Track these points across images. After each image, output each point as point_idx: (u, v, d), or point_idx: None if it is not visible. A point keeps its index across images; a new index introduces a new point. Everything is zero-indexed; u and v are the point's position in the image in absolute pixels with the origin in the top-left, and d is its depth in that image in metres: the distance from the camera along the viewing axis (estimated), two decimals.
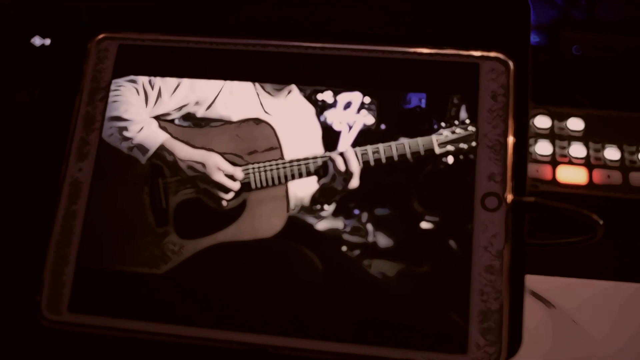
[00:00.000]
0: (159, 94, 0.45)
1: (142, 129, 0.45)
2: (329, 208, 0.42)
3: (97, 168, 0.44)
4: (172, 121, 0.45)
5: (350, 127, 0.43)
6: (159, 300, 0.42)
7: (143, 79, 0.45)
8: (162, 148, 0.44)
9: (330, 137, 0.43)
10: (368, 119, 0.43)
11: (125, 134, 0.44)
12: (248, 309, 0.41)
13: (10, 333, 0.43)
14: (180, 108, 0.45)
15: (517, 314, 0.40)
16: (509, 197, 0.41)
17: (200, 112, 0.45)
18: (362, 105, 0.43)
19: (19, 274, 0.44)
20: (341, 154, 0.43)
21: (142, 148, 0.44)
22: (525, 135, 0.43)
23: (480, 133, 0.42)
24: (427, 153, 0.42)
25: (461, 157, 0.42)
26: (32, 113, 0.48)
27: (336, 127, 0.43)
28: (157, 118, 0.45)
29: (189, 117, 0.45)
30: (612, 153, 0.61)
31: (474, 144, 0.42)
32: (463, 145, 0.42)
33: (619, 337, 0.45)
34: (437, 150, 0.42)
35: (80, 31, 0.48)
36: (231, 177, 0.43)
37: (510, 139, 0.42)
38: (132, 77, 0.46)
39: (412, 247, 0.41)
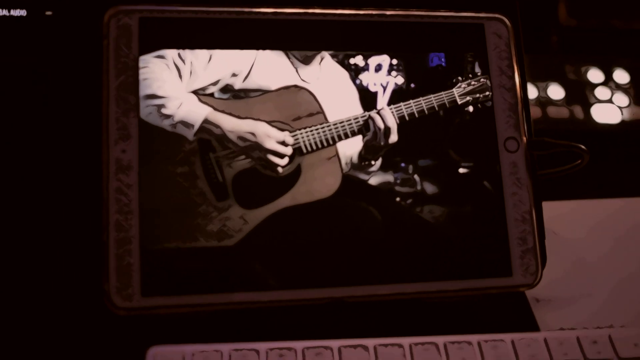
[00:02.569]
0: (192, 68, 0.45)
1: (181, 104, 0.44)
2: (376, 163, 0.46)
3: (142, 148, 0.43)
4: (211, 95, 0.45)
5: (384, 88, 0.47)
6: (234, 270, 0.43)
7: (172, 54, 0.45)
8: (206, 122, 0.44)
9: (367, 98, 0.47)
10: (398, 79, 0.47)
11: (164, 111, 0.44)
12: (320, 266, 0.44)
13: (85, 329, 0.42)
14: (217, 81, 0.45)
15: (542, 236, 0.48)
16: (524, 139, 0.48)
17: (238, 84, 0.45)
18: (392, 67, 0.47)
19: (80, 267, 0.43)
20: (378, 112, 0.46)
21: (185, 124, 0.44)
22: (525, 83, 0.50)
23: (493, 85, 0.48)
24: (451, 104, 0.47)
25: (479, 106, 0.48)
26: (49, 93, 0.45)
27: (372, 89, 0.47)
28: (196, 92, 0.45)
29: (227, 89, 0.45)
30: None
31: (487, 93, 0.48)
32: (479, 95, 0.48)
33: (608, 249, 0.54)
34: (459, 101, 0.48)
35: (86, 3, 0.45)
36: (282, 143, 0.45)
37: (518, 88, 0.49)
38: (159, 52, 0.45)
39: (455, 191, 0.47)
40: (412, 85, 0.47)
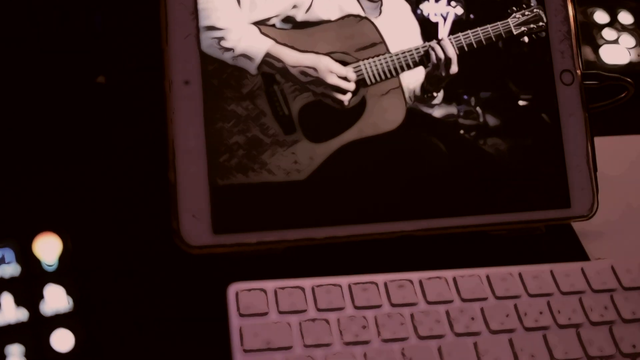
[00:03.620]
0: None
1: (242, 37, 0.42)
2: (438, 95, 0.45)
3: (205, 82, 0.41)
4: (272, 25, 0.43)
5: (445, 18, 0.46)
6: (306, 205, 0.42)
7: None
8: (268, 56, 0.42)
9: (428, 29, 0.46)
10: (458, 9, 0.46)
11: (224, 44, 0.42)
12: (392, 199, 0.43)
13: (161, 271, 0.40)
14: (277, 14, 0.43)
15: (595, 168, 0.48)
16: (579, 72, 0.48)
17: (300, 16, 0.43)
18: None
19: (149, 207, 0.40)
20: (439, 43, 0.45)
21: (247, 57, 0.42)
22: (577, 15, 0.50)
23: (548, 16, 0.48)
24: (507, 35, 0.47)
25: (535, 37, 0.47)
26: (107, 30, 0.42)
27: (432, 19, 0.46)
28: (257, 24, 0.43)
29: (289, 20, 0.43)
30: None
31: (541, 23, 0.47)
32: (533, 26, 0.47)
33: None
34: (515, 32, 0.47)
35: None
36: (344, 78, 0.44)
37: (572, 20, 0.48)
38: None
39: (516, 124, 0.46)
40: (472, 16, 0.46)
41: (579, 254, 0.49)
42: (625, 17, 0.73)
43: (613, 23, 0.73)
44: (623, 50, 0.70)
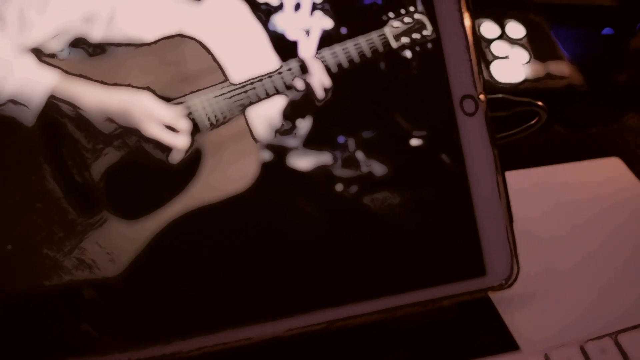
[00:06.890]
0: (21, 10, 0.29)
1: (10, 71, 0.28)
2: (302, 125, 0.33)
3: None
4: (56, 54, 0.29)
5: (308, 34, 0.34)
6: (121, 315, 0.28)
7: None
8: (54, 97, 0.29)
9: (285, 48, 0.33)
10: (325, 21, 0.34)
11: None
12: (247, 293, 0.30)
13: None
14: (62, 33, 0.30)
15: (510, 218, 0.38)
16: (482, 97, 0.37)
17: (96, 34, 0.30)
18: (315, 6, 0.34)
19: None
20: (301, 65, 0.33)
21: (20, 102, 0.28)
22: (474, 28, 0.39)
23: (442, 31, 0.37)
24: (386, 49, 0.35)
25: (426, 55, 0.36)
26: None
27: (291, 36, 0.33)
28: (34, 51, 0.29)
29: (79, 43, 0.30)
30: None
31: (425, 32, 0.36)
32: (416, 36, 0.36)
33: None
34: (394, 44, 0.36)
35: None
36: (171, 129, 0.30)
37: (470, 32, 0.38)
38: None
39: (409, 170, 0.35)
40: (344, 30, 0.34)
41: (498, 329, 0.38)
42: (515, 29, 0.64)
43: (502, 36, 0.64)
44: (517, 66, 0.61)
